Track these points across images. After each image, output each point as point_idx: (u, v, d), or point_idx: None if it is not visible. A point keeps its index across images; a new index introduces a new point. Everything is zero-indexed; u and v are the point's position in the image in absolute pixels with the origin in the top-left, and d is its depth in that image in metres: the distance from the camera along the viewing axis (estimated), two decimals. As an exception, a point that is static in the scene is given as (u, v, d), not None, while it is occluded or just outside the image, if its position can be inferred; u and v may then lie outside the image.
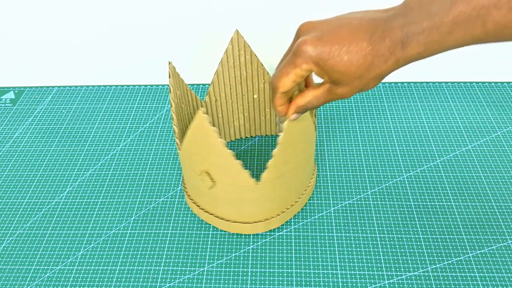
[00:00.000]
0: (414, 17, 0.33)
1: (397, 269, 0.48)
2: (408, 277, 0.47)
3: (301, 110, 0.40)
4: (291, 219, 0.53)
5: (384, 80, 0.73)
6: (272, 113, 0.61)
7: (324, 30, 0.36)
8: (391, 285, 0.46)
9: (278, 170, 0.46)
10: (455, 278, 0.47)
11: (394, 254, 0.49)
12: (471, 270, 0.47)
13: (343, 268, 0.48)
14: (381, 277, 0.47)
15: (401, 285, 0.46)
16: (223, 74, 0.55)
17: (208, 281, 0.47)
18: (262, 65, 0.55)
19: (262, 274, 0.48)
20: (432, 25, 0.32)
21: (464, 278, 0.46)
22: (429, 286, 0.46)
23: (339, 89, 0.37)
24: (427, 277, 0.47)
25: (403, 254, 0.49)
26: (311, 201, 0.55)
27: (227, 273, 0.48)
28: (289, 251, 0.50)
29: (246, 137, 0.63)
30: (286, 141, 0.44)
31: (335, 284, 0.46)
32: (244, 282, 0.47)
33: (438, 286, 0.46)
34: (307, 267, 0.48)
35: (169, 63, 0.48)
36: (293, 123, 0.43)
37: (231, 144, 0.63)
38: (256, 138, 0.63)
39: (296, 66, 0.36)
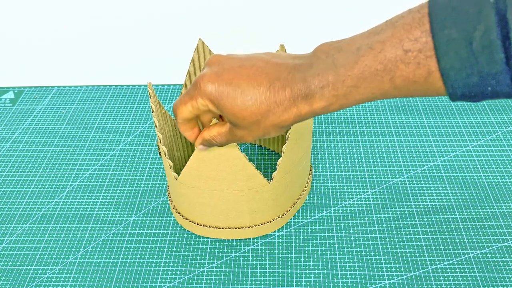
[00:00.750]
0: (320, 68, 0.31)
1: (397, 269, 0.47)
2: (409, 277, 0.47)
3: (206, 144, 0.40)
4: (291, 219, 0.53)
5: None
6: None
7: (226, 67, 0.35)
8: (391, 285, 0.46)
9: (286, 167, 0.46)
10: (455, 278, 0.46)
11: (394, 254, 0.49)
12: (471, 270, 0.47)
13: (343, 268, 0.48)
14: (381, 277, 0.47)
15: (401, 285, 0.46)
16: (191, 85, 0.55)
17: (208, 281, 0.47)
18: None
19: (262, 274, 0.48)
20: (337, 78, 0.31)
21: (464, 278, 0.46)
22: (429, 286, 0.46)
23: (237, 131, 0.36)
24: (427, 277, 0.47)
25: (403, 254, 0.49)
26: (311, 201, 0.55)
27: (227, 273, 0.48)
28: (289, 251, 0.50)
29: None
30: (293, 136, 0.44)
31: (335, 284, 0.46)
32: (244, 282, 0.47)
33: (439, 286, 0.46)
34: (307, 267, 0.48)
35: (149, 84, 0.48)
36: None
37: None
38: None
39: (192, 98, 0.36)
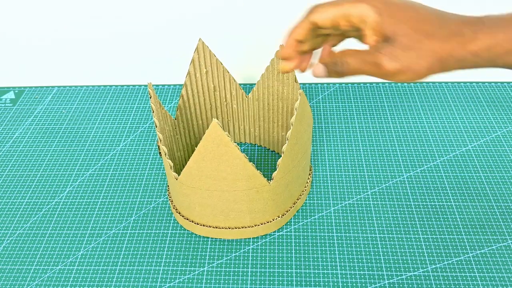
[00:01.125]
0: (488, 28, 0.32)
1: (397, 269, 0.48)
2: (408, 277, 0.47)
3: (331, 64, 0.34)
4: (291, 219, 0.53)
5: (383, 80, 0.73)
6: (247, 122, 0.60)
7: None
8: (391, 285, 0.46)
9: (286, 167, 0.46)
10: (455, 278, 0.47)
11: (394, 254, 0.49)
12: (471, 270, 0.47)
13: (343, 268, 0.48)
14: (381, 277, 0.47)
15: (401, 285, 0.46)
16: (191, 86, 0.55)
17: (208, 281, 0.47)
18: (228, 72, 0.55)
19: (262, 274, 0.48)
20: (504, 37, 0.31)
21: (464, 278, 0.46)
22: (429, 286, 0.46)
23: (398, 52, 0.31)
24: (427, 277, 0.47)
25: (403, 254, 0.49)
26: (311, 201, 0.55)
27: (227, 273, 0.48)
28: (289, 251, 0.50)
29: None
30: (294, 136, 0.44)
31: (335, 284, 0.46)
32: (244, 282, 0.47)
33: (438, 286, 0.46)
34: (307, 267, 0.48)
35: (149, 84, 0.48)
36: (299, 116, 0.44)
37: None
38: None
39: (346, 2, 0.32)
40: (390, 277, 0.47)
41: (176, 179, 0.47)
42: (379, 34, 0.32)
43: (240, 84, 0.75)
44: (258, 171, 0.44)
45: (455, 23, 0.32)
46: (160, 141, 0.46)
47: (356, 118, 0.66)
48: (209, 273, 0.48)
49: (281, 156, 0.45)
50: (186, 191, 0.47)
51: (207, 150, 0.42)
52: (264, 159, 0.61)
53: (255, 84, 0.60)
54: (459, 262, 0.48)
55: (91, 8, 0.71)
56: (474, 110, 0.67)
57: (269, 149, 0.62)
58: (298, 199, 0.53)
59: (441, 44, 0.31)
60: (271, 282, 0.47)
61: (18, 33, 0.74)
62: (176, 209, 0.52)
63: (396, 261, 0.48)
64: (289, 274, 0.47)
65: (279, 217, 0.51)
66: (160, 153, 0.49)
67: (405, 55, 0.31)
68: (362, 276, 0.47)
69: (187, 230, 0.52)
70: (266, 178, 0.46)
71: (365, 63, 0.32)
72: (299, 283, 0.47)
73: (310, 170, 0.56)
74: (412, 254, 0.49)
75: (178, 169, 0.57)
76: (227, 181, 0.45)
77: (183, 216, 0.51)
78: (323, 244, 0.50)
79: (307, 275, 0.47)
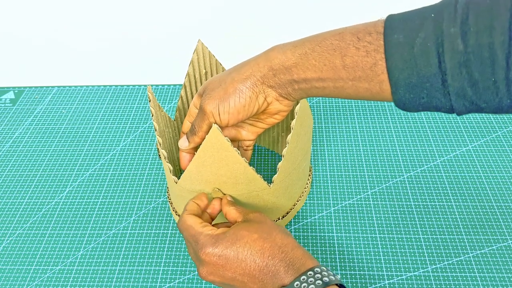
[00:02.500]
0: None
1: (397, 269, 0.48)
2: (408, 277, 0.47)
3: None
4: (291, 219, 0.53)
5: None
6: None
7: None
8: (391, 285, 0.46)
9: (286, 170, 0.46)
10: (455, 278, 0.47)
11: (394, 254, 0.49)
12: (471, 270, 0.47)
13: (343, 268, 0.48)
14: (381, 277, 0.47)
15: (401, 285, 0.46)
16: (190, 87, 0.55)
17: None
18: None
19: (262, 274, 0.48)
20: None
21: (464, 278, 0.46)
22: (429, 286, 0.46)
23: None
24: (427, 277, 0.47)
25: (403, 254, 0.49)
26: (311, 201, 0.55)
27: (227, 273, 0.48)
28: (289, 251, 0.49)
29: None
30: (294, 139, 0.44)
31: (335, 284, 0.46)
32: (244, 282, 0.47)
33: (438, 286, 0.46)
34: (307, 267, 0.48)
35: (148, 87, 0.48)
36: (299, 119, 0.44)
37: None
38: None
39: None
40: (390, 277, 0.47)
41: (176, 183, 0.47)
42: None
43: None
44: (259, 174, 0.44)
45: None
46: (160, 144, 0.46)
47: (356, 118, 0.66)
48: (209, 273, 0.48)
49: (281, 157, 0.45)
50: (186, 195, 0.47)
51: (207, 155, 0.42)
52: (264, 159, 0.61)
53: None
54: (459, 262, 0.48)
55: (91, 8, 0.71)
56: (474, 110, 0.67)
57: (268, 149, 0.62)
58: (298, 200, 0.52)
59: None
60: (271, 282, 0.47)
61: (18, 33, 0.74)
62: (176, 212, 0.52)
63: (396, 261, 0.48)
64: (289, 274, 0.47)
65: (279, 219, 0.51)
66: (160, 156, 0.49)
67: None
68: (362, 276, 0.47)
69: (187, 230, 0.52)
70: (266, 182, 0.45)
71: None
72: (299, 283, 0.47)
73: (310, 171, 0.56)
74: (412, 254, 0.49)
75: (178, 170, 0.57)
76: (227, 185, 0.44)
77: None
78: (323, 244, 0.50)
79: (307, 275, 0.47)
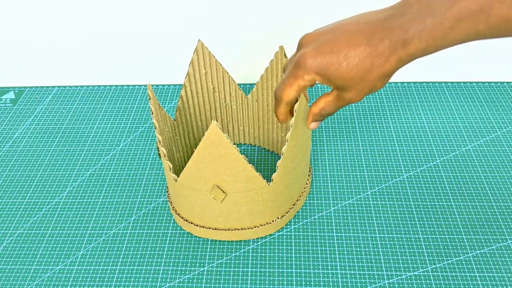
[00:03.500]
0: (415, 14, 0.33)
1: (397, 269, 0.48)
2: (408, 277, 0.47)
3: (318, 118, 0.42)
4: (291, 219, 0.53)
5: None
6: (246, 123, 0.60)
7: (322, 41, 0.37)
8: (391, 285, 0.46)
9: (286, 168, 0.46)
10: (455, 278, 0.47)
11: (394, 254, 0.49)
12: (471, 270, 0.47)
13: (343, 268, 0.48)
14: (381, 277, 0.47)
15: (401, 285, 0.46)
16: (190, 87, 0.55)
17: (208, 281, 0.47)
18: (227, 73, 0.55)
19: (262, 274, 0.48)
20: (434, 21, 0.32)
21: (464, 278, 0.46)
22: (429, 286, 0.46)
23: (346, 94, 0.38)
24: (427, 277, 0.47)
25: (403, 254, 0.49)
26: (311, 201, 0.55)
27: (227, 273, 0.48)
28: (289, 251, 0.50)
29: None
30: (293, 138, 0.44)
31: (335, 284, 0.46)
32: (244, 282, 0.47)
33: (438, 286, 0.46)
34: (307, 267, 0.48)
35: (148, 85, 0.48)
36: (298, 118, 0.44)
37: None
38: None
39: (298, 77, 0.38)
40: (390, 277, 0.47)
41: (176, 181, 0.47)
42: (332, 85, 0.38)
43: (239, 84, 0.75)
44: (258, 172, 0.44)
45: (381, 24, 0.35)
46: (160, 142, 0.46)
47: (356, 118, 0.66)
48: (209, 273, 0.48)
49: (280, 157, 0.45)
50: (185, 193, 0.47)
51: (206, 152, 0.42)
52: (264, 159, 0.61)
53: (254, 84, 0.60)
54: (459, 262, 0.48)
55: (91, 8, 0.71)
56: (474, 110, 0.67)
57: (268, 150, 0.62)
58: (297, 200, 0.53)
59: (382, 68, 0.36)
60: (271, 282, 0.47)
61: (18, 33, 0.74)
62: (176, 211, 0.52)
63: (396, 261, 0.48)
64: (289, 274, 0.47)
65: (278, 218, 0.51)
66: (159, 154, 0.49)
67: (360, 92, 0.37)
68: (362, 276, 0.47)
69: (187, 230, 0.52)
70: (265, 180, 0.45)
71: (334, 103, 0.40)
72: (299, 283, 0.47)
73: (309, 170, 0.56)
74: (412, 254, 0.49)
75: (178, 170, 0.57)
76: (226, 183, 0.45)
77: (182, 218, 0.51)
78: (323, 244, 0.50)
79: (307, 275, 0.47)
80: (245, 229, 0.50)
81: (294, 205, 0.52)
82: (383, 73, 0.36)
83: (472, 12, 0.31)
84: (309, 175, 0.55)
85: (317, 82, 0.38)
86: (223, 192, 0.45)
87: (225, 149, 0.41)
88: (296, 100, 0.42)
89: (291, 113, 0.43)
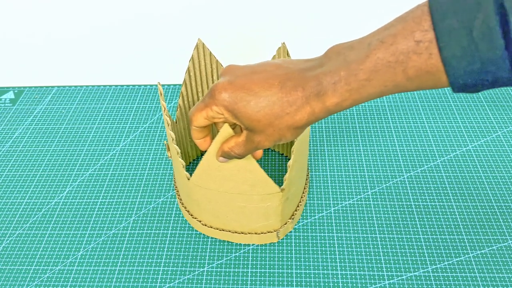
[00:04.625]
0: (331, 66, 0.32)
1: (397, 269, 0.48)
2: (408, 277, 0.47)
3: (226, 156, 0.40)
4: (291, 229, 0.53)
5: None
6: None
7: (238, 74, 0.36)
8: (391, 285, 0.46)
9: (293, 169, 0.46)
10: (455, 278, 0.47)
11: (394, 254, 0.49)
12: (471, 270, 0.47)
13: (343, 268, 0.48)
14: (381, 277, 0.47)
15: (401, 285, 0.46)
16: (190, 82, 0.55)
17: (208, 281, 0.47)
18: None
19: (262, 274, 0.48)
20: (349, 73, 0.31)
21: (464, 278, 0.46)
22: (429, 286, 0.46)
23: (255, 136, 0.36)
24: (427, 277, 0.47)
25: (403, 254, 0.49)
26: (311, 201, 0.55)
27: (227, 273, 0.48)
28: (289, 251, 0.50)
29: None
30: (299, 138, 0.44)
31: (335, 284, 0.46)
32: (244, 282, 0.47)
33: (439, 286, 0.46)
34: (307, 267, 0.48)
35: (158, 83, 0.48)
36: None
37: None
38: None
39: (207, 106, 0.37)
40: (390, 277, 0.47)
41: (188, 179, 0.46)
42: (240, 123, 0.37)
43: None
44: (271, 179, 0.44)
45: (298, 76, 0.34)
46: (173, 139, 0.46)
47: (356, 118, 0.66)
48: (209, 273, 0.48)
49: (277, 152, 0.45)
50: (197, 191, 0.47)
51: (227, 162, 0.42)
52: (264, 159, 0.61)
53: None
54: (459, 262, 0.48)
55: (91, 8, 0.71)
56: (474, 110, 0.67)
57: (269, 148, 0.62)
58: (298, 206, 0.52)
59: (292, 118, 0.34)
60: (271, 282, 0.47)
61: (18, 33, 0.74)
62: (185, 207, 0.52)
63: (396, 261, 0.48)
64: (289, 274, 0.47)
65: (281, 227, 0.50)
66: (168, 153, 0.49)
67: (268, 138, 0.36)
68: (362, 276, 0.47)
69: (187, 230, 0.52)
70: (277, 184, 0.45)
71: (244, 144, 0.38)
72: (299, 283, 0.47)
73: (306, 179, 0.55)
74: (412, 254, 0.49)
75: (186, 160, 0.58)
76: (236, 184, 0.45)
77: (191, 215, 0.51)
78: (323, 244, 0.50)
79: (307, 275, 0.47)
80: (246, 233, 0.49)
81: (297, 209, 0.52)
82: (293, 124, 0.34)
83: (388, 64, 0.30)
84: (306, 179, 0.55)
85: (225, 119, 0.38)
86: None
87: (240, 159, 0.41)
88: (208, 128, 0.41)
89: (210, 138, 0.43)
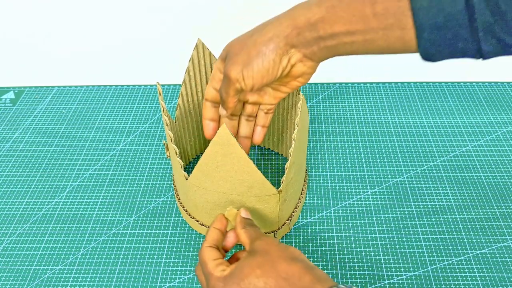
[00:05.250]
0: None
1: (397, 269, 0.48)
2: (408, 277, 0.47)
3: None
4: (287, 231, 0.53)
5: (384, 80, 0.73)
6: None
7: (237, 41, 0.41)
8: (391, 285, 0.46)
9: (291, 171, 0.46)
10: (455, 278, 0.47)
11: (394, 254, 0.49)
12: (471, 270, 0.47)
13: (343, 268, 0.48)
14: (381, 277, 0.47)
15: (401, 285, 0.46)
16: (190, 82, 0.55)
17: (208, 281, 0.47)
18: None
19: (262, 274, 0.48)
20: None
21: (464, 278, 0.46)
22: (429, 286, 0.46)
23: (228, 64, 0.40)
24: (427, 277, 0.47)
25: (403, 254, 0.49)
26: (311, 201, 0.55)
27: (227, 273, 0.48)
28: (289, 251, 0.49)
29: None
30: (298, 139, 0.44)
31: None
32: (244, 282, 0.47)
33: (438, 286, 0.46)
34: (307, 267, 0.48)
35: (157, 83, 0.48)
36: (303, 117, 0.44)
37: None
38: None
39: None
40: (390, 277, 0.47)
41: (186, 179, 0.46)
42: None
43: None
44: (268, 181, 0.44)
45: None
46: (172, 139, 0.46)
47: (356, 118, 0.66)
48: (209, 273, 0.48)
49: (282, 155, 0.45)
50: (196, 190, 0.47)
51: (217, 153, 0.42)
52: (264, 158, 0.61)
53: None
54: (459, 262, 0.48)
55: (91, 8, 0.71)
56: (474, 110, 0.67)
57: (268, 148, 0.62)
58: (296, 207, 0.52)
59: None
60: (271, 282, 0.47)
61: (18, 33, 0.74)
62: (184, 207, 0.52)
63: (396, 261, 0.48)
64: (289, 274, 0.47)
65: (279, 228, 0.50)
66: (167, 153, 0.49)
67: (240, 54, 0.40)
68: (362, 276, 0.47)
69: (187, 230, 0.52)
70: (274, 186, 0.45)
71: (224, 82, 0.42)
72: (299, 283, 0.47)
73: (305, 181, 0.55)
74: (412, 254, 0.49)
75: (186, 159, 0.58)
76: (233, 185, 0.44)
77: (190, 215, 0.51)
78: (323, 244, 0.50)
79: (307, 275, 0.47)
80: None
81: (295, 210, 0.52)
82: (261, 38, 0.38)
83: None
84: (305, 180, 0.55)
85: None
86: (237, 210, 0.45)
87: (238, 153, 0.41)
88: (216, 111, 0.45)
89: (216, 127, 0.46)
